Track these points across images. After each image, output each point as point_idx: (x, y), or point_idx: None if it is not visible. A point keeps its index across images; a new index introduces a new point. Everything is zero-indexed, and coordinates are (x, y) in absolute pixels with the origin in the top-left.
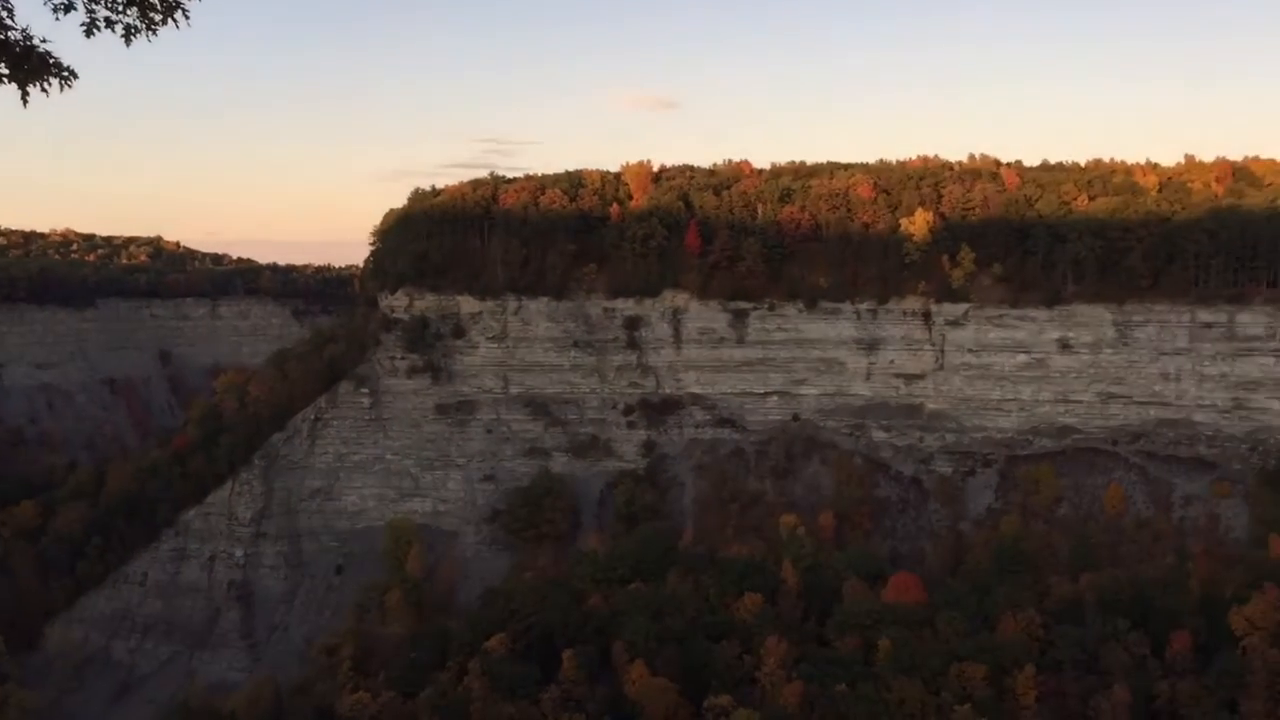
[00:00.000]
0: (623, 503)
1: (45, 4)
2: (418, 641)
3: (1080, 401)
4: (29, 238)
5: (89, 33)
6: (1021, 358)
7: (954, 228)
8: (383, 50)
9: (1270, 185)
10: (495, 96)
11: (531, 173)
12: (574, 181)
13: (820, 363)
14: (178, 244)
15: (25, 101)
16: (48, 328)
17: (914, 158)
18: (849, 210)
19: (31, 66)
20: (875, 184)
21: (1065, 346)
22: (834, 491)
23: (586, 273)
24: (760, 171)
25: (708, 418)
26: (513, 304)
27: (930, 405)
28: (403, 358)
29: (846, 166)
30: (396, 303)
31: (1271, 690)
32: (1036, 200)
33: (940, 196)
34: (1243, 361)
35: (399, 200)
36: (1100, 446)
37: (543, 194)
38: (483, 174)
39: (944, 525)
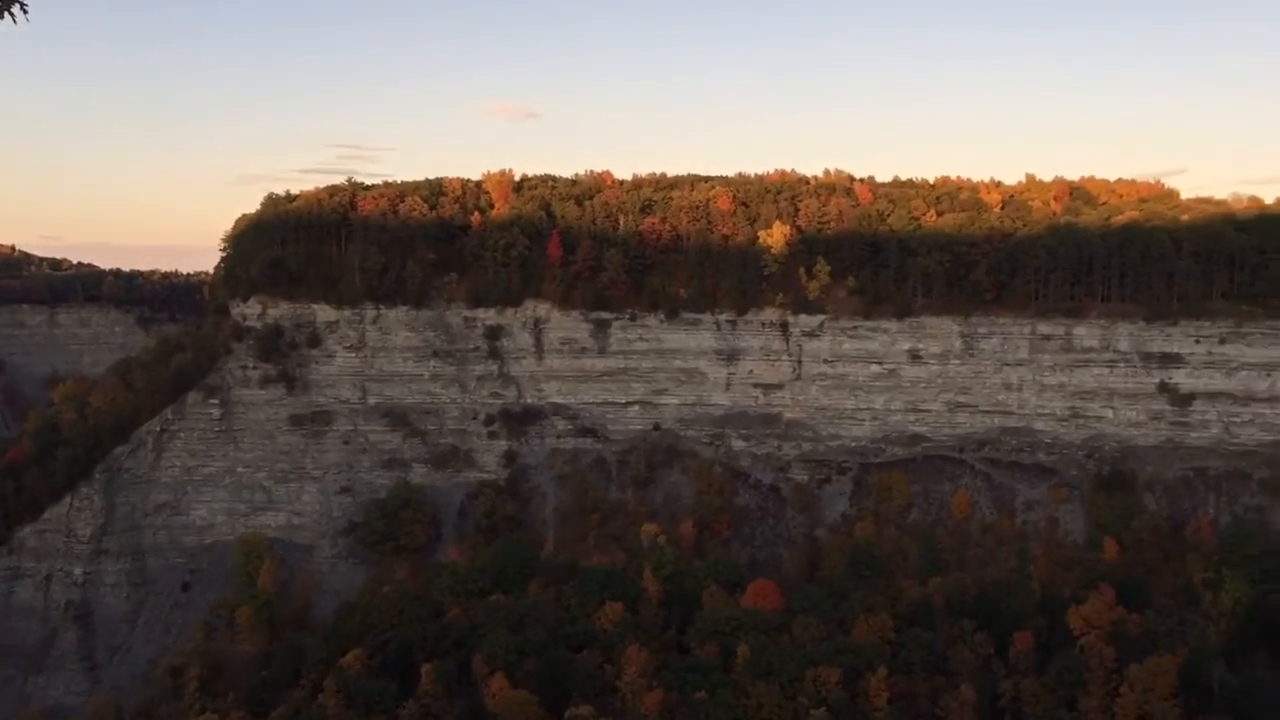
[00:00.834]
0: (483, 514)
1: None
2: (270, 659)
3: (930, 410)
4: None
5: None
6: (874, 368)
7: (810, 241)
8: (235, 53)
9: (1104, 204)
10: (354, 102)
11: (391, 179)
12: (434, 189)
13: (681, 373)
14: (13, 248)
15: None
16: None
17: (772, 172)
18: (709, 222)
19: None
20: (734, 197)
21: (915, 357)
22: (694, 500)
23: (447, 282)
24: (622, 182)
25: (569, 427)
26: (371, 312)
27: (788, 414)
28: (255, 367)
29: (706, 179)
30: (249, 310)
31: (1107, 686)
32: (888, 215)
33: (797, 210)
34: (1079, 372)
35: (252, 206)
36: (948, 454)
37: (402, 201)
38: (340, 180)
39: (801, 532)
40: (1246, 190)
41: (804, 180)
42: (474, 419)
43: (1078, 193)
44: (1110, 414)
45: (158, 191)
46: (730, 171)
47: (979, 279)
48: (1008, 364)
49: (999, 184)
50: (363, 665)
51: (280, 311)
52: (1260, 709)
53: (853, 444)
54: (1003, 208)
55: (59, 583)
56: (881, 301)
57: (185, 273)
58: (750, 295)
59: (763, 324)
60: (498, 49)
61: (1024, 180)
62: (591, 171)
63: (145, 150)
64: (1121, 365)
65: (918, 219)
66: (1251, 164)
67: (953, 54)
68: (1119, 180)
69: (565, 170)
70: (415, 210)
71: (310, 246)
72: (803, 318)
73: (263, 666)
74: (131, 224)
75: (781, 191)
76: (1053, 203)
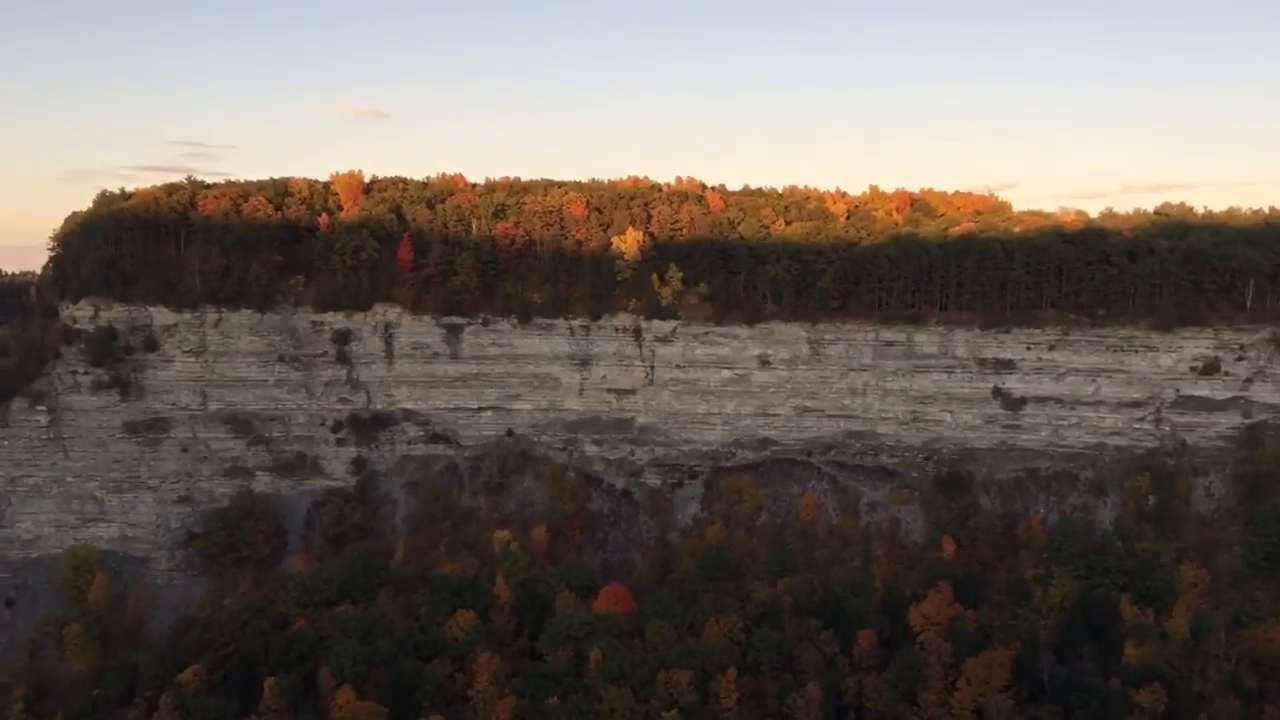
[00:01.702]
0: (331, 522)
1: None
2: (101, 678)
3: (779, 415)
4: None
5: None
6: (725, 373)
7: (663, 247)
8: (66, 40)
9: (943, 215)
10: (195, 98)
11: (234, 179)
12: (280, 190)
13: (534, 378)
14: None
15: None
16: None
17: (625, 178)
18: (562, 227)
19: None
20: (588, 202)
21: (765, 363)
22: (547, 506)
23: (293, 284)
24: (474, 186)
25: (420, 434)
26: (212, 316)
27: (640, 419)
28: (86, 372)
29: (560, 184)
30: (80, 313)
31: (945, 681)
32: (739, 223)
33: (650, 217)
34: (920, 377)
35: (83, 203)
36: (796, 457)
37: (246, 201)
38: (180, 178)
39: (653, 536)
40: (1073, 204)
41: (656, 187)
42: (321, 425)
43: (918, 204)
44: (949, 417)
45: None
46: (584, 177)
47: (825, 287)
48: (853, 369)
49: (844, 194)
50: (202, 682)
51: (114, 314)
52: (1086, 699)
53: (704, 448)
54: (848, 218)
55: None
56: (732, 308)
57: (9, 273)
58: (604, 301)
59: (616, 329)
60: (345, 45)
61: (868, 191)
62: (443, 174)
63: None
64: (959, 371)
65: (767, 227)
66: (1078, 180)
67: (798, 66)
68: (956, 192)
69: (417, 173)
70: (260, 211)
71: (147, 247)
72: (655, 323)
73: (94, 685)
74: None
75: (635, 198)
76: (895, 213)
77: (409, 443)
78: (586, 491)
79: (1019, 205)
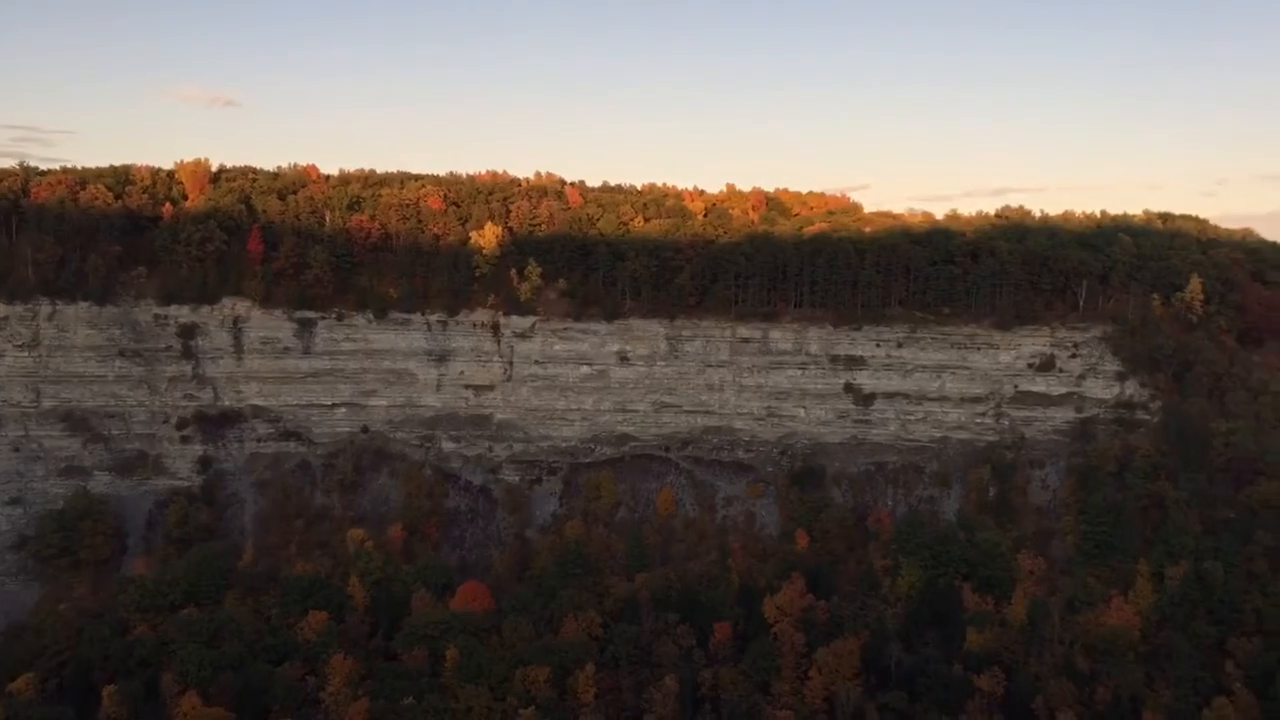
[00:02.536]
0: (175, 523)
1: None
2: None
3: (637, 411)
4: None
5: None
6: (584, 369)
7: (522, 243)
8: None
9: (797, 215)
10: (29, 81)
11: (71, 166)
12: (121, 177)
13: (390, 374)
14: None
15: None
16: None
17: (483, 172)
18: (419, 221)
19: None
20: (445, 196)
21: (624, 359)
22: (403, 504)
23: (135, 276)
24: (328, 177)
25: (271, 431)
26: (46, 308)
27: (499, 415)
28: None
29: (417, 177)
30: None
31: (797, 670)
32: (598, 219)
33: (509, 211)
34: (775, 373)
35: None
36: (654, 453)
37: (83, 189)
38: (11, 164)
39: (511, 533)
40: (921, 206)
41: (515, 182)
42: (165, 423)
43: (773, 203)
44: (802, 413)
45: None
46: (441, 170)
47: (683, 283)
48: (710, 365)
49: (702, 192)
50: (35, 691)
51: None
52: (931, 685)
53: (563, 444)
54: (705, 215)
55: None
56: (591, 304)
57: None
58: (461, 296)
59: (474, 325)
60: (191, 29)
61: (725, 190)
62: (295, 165)
63: None
64: (812, 367)
65: (626, 224)
66: (925, 182)
67: (656, 65)
68: (810, 193)
69: (267, 163)
70: (98, 199)
71: None
72: (514, 319)
73: None
74: None
75: (493, 192)
76: (751, 212)
77: (259, 440)
78: (444, 489)
79: (870, 206)
